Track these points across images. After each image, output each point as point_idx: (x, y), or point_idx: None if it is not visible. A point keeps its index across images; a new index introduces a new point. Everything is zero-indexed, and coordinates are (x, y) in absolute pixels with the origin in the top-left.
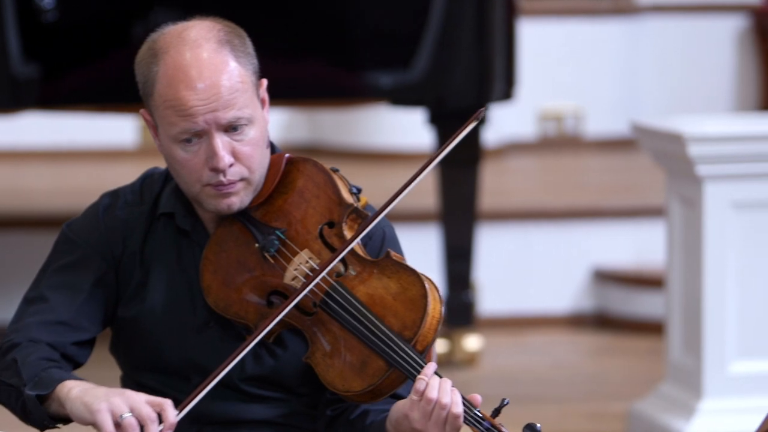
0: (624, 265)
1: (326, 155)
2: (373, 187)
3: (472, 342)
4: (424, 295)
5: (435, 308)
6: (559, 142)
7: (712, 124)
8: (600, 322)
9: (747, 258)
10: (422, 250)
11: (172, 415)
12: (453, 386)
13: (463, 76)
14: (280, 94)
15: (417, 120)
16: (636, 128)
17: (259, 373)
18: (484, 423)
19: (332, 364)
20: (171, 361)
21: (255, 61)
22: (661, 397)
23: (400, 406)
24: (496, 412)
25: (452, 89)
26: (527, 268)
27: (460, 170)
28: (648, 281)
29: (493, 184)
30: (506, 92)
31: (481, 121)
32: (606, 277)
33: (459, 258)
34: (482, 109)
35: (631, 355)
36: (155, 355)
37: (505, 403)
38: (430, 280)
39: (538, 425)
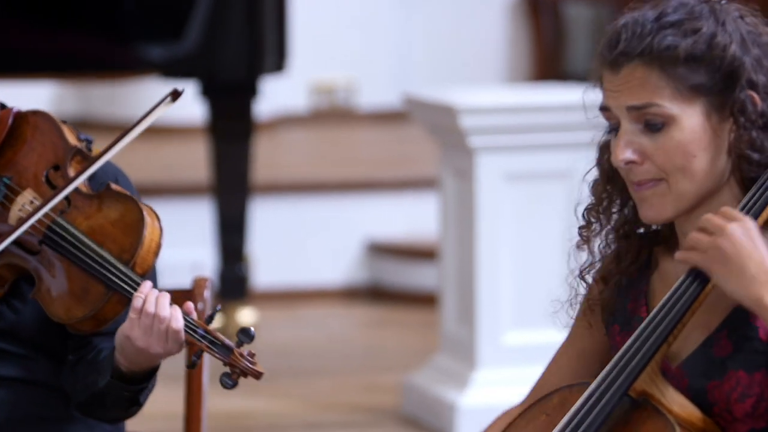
0: (397, 238)
1: (97, 129)
2: (146, 160)
3: (246, 315)
4: (141, 220)
5: (153, 232)
6: (331, 114)
7: (483, 95)
8: (374, 294)
9: (519, 229)
10: (195, 223)
11: None
12: (183, 308)
13: (234, 48)
14: (48, 68)
15: (188, 93)
16: (408, 100)
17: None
18: (199, 330)
19: (56, 296)
20: None
21: None
22: (435, 368)
23: (121, 329)
24: (210, 319)
25: (223, 62)
26: (301, 241)
27: (232, 143)
28: (421, 253)
29: (266, 157)
30: (278, 64)
31: (176, 98)
32: (379, 250)
33: (232, 231)
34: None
35: (405, 327)
36: None
37: (217, 309)
38: (149, 208)
39: (252, 329)
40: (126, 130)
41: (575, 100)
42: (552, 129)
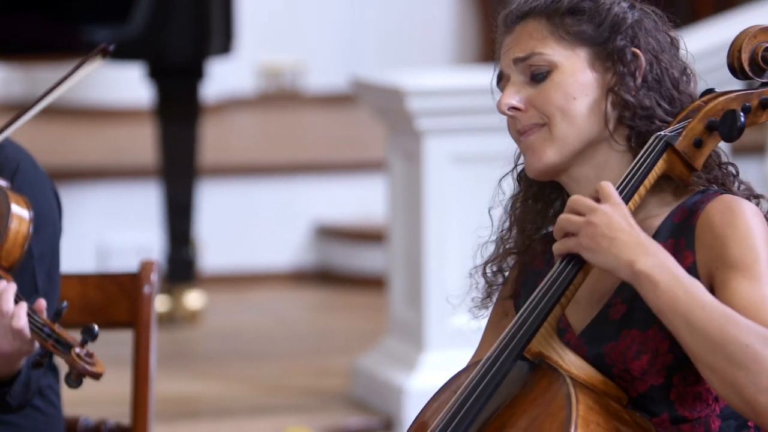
0: (345, 221)
1: (43, 112)
2: (92, 144)
3: (193, 299)
4: (8, 209)
5: (20, 224)
6: (279, 96)
7: (431, 77)
8: (322, 277)
9: (467, 212)
10: (142, 206)
11: None
12: (33, 307)
13: (181, 30)
14: None
15: (135, 76)
16: (355, 83)
17: None
18: (45, 329)
19: None
20: None
21: None
22: (383, 351)
23: None
24: (57, 317)
25: (170, 44)
26: (249, 224)
27: (179, 126)
28: (369, 236)
29: (214, 140)
30: (225, 47)
31: (106, 54)
32: (327, 233)
33: (179, 214)
34: (107, 45)
35: (353, 310)
36: None
37: (63, 306)
38: (22, 198)
39: (96, 327)
40: (55, 84)
41: None
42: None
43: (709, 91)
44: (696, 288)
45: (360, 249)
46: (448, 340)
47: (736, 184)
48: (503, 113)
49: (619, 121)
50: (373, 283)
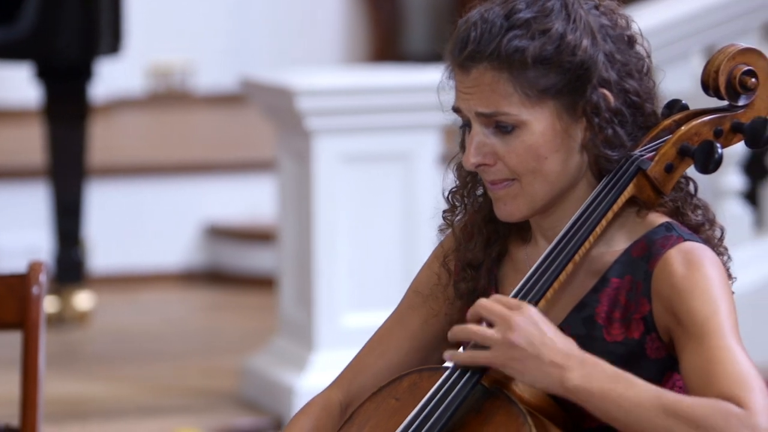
0: (235, 220)
1: None
2: None
3: (82, 300)
4: None
5: None
6: (168, 96)
7: (320, 77)
8: (212, 277)
9: (357, 211)
10: (30, 207)
11: None
12: None
13: (69, 30)
14: None
15: (23, 76)
16: (245, 82)
17: None
18: None
19: None
20: None
21: None
22: (273, 351)
23: None
24: None
25: (58, 44)
26: (138, 225)
27: (68, 126)
28: (260, 236)
29: (103, 140)
30: (114, 46)
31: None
32: (217, 233)
33: (68, 215)
34: None
35: (243, 310)
36: None
37: None
38: None
39: None
40: None
41: (413, 81)
42: (389, 110)
43: (676, 102)
44: (629, 385)
45: (250, 249)
46: (338, 340)
47: (692, 205)
48: (470, 170)
49: (594, 163)
50: (263, 283)
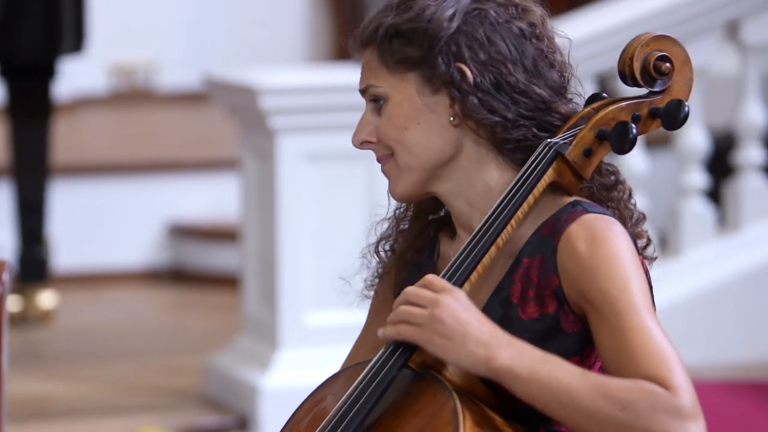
0: (199, 219)
1: None
2: None
3: (46, 299)
4: None
5: None
6: (131, 95)
7: (284, 75)
8: (176, 276)
9: (321, 210)
10: None
11: None
12: None
13: (32, 29)
14: None
15: None
16: (208, 81)
17: None
18: None
19: None
20: None
21: None
22: (237, 350)
23: None
24: None
25: (20, 43)
26: (102, 223)
27: (31, 125)
28: (223, 235)
29: (66, 139)
30: (77, 45)
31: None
32: (181, 232)
33: (31, 213)
34: None
35: (207, 309)
36: None
37: None
38: None
39: None
40: None
41: None
42: (353, 109)
43: (597, 96)
44: (556, 367)
45: (214, 248)
46: (302, 339)
47: (616, 190)
48: (357, 148)
49: (489, 136)
50: (227, 281)
